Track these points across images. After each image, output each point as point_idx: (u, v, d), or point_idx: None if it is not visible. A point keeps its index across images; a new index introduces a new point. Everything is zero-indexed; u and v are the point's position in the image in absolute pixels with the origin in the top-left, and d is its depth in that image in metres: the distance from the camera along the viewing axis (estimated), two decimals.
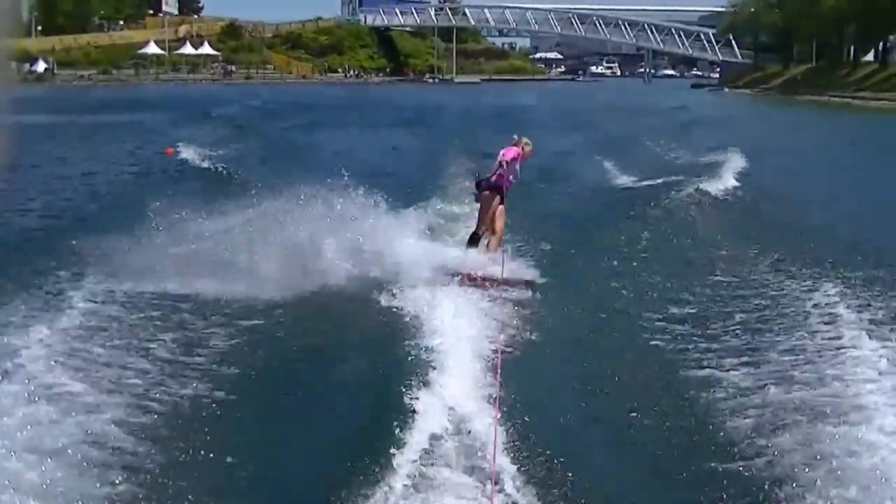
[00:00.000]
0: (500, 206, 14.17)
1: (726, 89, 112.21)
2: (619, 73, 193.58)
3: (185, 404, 9.03)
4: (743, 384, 9.68)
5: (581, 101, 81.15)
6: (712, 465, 7.90)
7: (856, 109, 73.55)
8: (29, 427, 8.01)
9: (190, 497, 7.28)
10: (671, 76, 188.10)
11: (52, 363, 9.69)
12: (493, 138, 22.84)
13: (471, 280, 13.15)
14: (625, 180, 26.34)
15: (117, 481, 7.39)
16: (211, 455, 7.98)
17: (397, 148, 36.00)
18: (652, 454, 8.25)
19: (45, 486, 7.09)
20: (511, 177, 14.25)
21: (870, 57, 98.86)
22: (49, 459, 7.48)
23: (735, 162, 28.00)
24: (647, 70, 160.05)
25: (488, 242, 14.18)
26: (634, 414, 9.04)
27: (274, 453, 8.17)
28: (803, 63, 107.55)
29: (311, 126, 45.63)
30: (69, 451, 7.70)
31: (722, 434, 8.50)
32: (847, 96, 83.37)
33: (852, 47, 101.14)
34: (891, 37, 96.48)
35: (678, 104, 72.65)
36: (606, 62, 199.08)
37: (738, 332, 11.70)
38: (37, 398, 8.66)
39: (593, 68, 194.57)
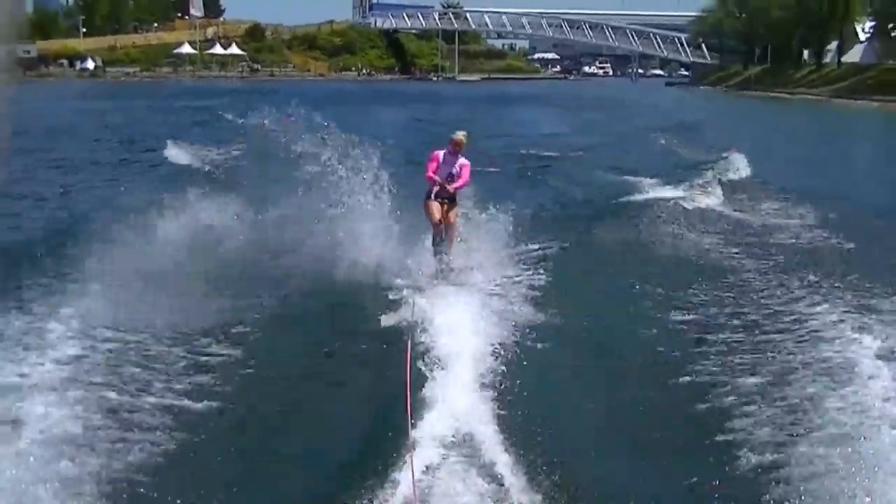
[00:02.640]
0: (454, 207, 14.69)
1: (695, 87, 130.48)
2: (610, 73, 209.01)
3: (173, 419, 9.01)
4: (742, 387, 9.91)
5: (554, 91, 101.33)
6: (708, 465, 8.19)
7: (788, 102, 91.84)
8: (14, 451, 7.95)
9: None
10: (659, 76, 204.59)
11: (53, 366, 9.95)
12: (484, 107, 40.48)
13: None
14: (563, 136, 43.95)
15: (111, 489, 7.55)
16: (207, 465, 8.22)
17: (421, 119, 52.46)
18: (645, 453, 8.53)
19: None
20: (450, 173, 14.63)
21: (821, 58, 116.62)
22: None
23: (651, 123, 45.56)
24: (635, 70, 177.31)
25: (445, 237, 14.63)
26: (629, 413, 9.39)
27: (265, 463, 8.36)
28: (761, 64, 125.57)
29: (359, 105, 63.98)
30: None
31: (719, 434, 8.77)
32: (788, 91, 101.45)
33: (804, 50, 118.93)
34: (833, 43, 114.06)
35: (639, 96, 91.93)
36: (599, 62, 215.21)
37: (725, 325, 12.35)
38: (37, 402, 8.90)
39: (586, 68, 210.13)
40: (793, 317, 12.59)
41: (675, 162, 31.87)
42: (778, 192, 24.89)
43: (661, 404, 9.56)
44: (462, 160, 14.64)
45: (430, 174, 14.50)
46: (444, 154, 14.60)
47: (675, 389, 9.95)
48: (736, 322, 12.55)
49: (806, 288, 14.21)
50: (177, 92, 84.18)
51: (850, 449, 7.99)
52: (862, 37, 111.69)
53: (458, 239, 14.72)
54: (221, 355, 10.92)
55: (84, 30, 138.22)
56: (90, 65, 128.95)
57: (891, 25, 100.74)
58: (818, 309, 12.81)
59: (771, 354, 11.04)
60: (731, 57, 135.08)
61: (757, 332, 12.09)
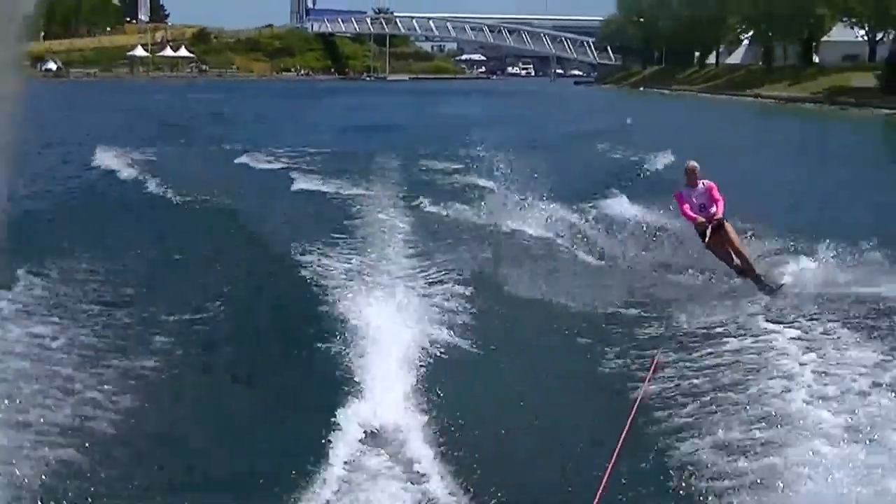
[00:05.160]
0: (726, 230, 14.40)
1: (599, 85, 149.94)
2: (532, 74, 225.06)
3: (101, 424, 8.98)
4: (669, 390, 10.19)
5: (473, 88, 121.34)
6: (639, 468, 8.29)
7: (667, 96, 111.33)
8: None
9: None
10: (578, 76, 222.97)
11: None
12: (406, 98, 59.03)
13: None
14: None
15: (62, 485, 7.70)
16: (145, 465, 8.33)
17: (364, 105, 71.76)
18: (574, 457, 8.66)
19: None
20: (702, 204, 14.52)
21: (709, 60, 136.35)
22: None
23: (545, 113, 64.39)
24: (553, 70, 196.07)
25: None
26: (555, 415, 9.64)
27: (180, 469, 8.37)
28: (659, 65, 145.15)
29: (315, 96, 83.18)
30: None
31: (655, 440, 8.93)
32: (671, 88, 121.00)
33: (696, 53, 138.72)
34: (722, 47, 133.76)
35: (548, 92, 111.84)
36: (522, 63, 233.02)
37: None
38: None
39: (510, 69, 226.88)
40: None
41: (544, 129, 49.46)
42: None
43: (585, 406, 9.85)
44: (703, 184, 14.48)
45: (689, 214, 14.30)
46: (687, 190, 14.48)
47: (603, 392, 10.22)
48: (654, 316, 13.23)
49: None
50: (175, 89, 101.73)
51: (774, 452, 8.19)
52: (744, 42, 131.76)
53: (747, 245, 14.47)
54: (133, 365, 10.75)
55: (43, 33, 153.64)
56: (52, 66, 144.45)
57: (751, 33, 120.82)
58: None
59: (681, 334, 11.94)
60: (633, 59, 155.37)
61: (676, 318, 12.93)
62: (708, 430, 8.94)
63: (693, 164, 14.95)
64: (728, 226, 14.08)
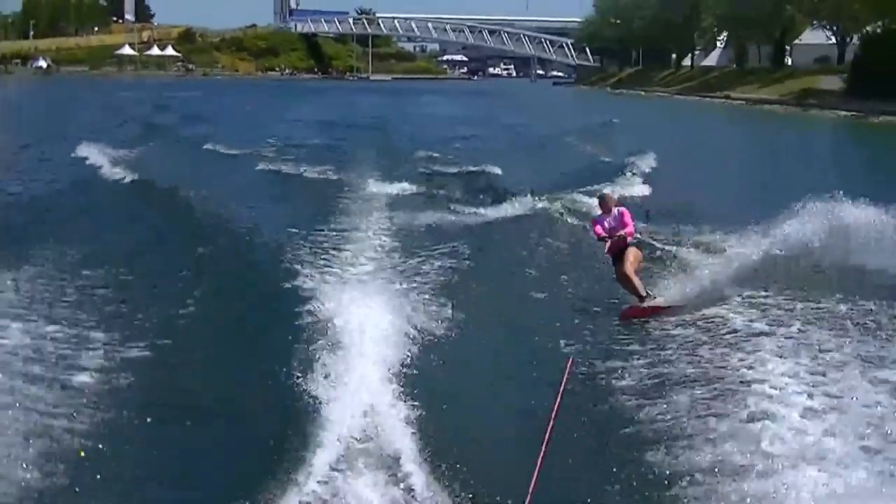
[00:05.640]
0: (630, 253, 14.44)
1: (578, 86, 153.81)
2: (514, 74, 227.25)
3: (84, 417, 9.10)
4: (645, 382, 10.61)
5: (453, 87, 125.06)
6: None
7: (642, 97, 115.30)
8: None
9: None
10: (558, 76, 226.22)
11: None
12: (387, 98, 63.03)
13: None
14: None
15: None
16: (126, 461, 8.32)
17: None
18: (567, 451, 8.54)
19: None
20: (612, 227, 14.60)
21: (686, 61, 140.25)
22: None
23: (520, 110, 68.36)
24: (534, 71, 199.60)
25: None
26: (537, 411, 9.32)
27: (186, 459, 8.56)
28: (636, 66, 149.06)
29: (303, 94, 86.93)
30: None
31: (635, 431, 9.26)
32: (646, 89, 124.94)
33: (673, 55, 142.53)
34: (698, 49, 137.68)
35: (527, 92, 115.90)
36: (504, 64, 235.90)
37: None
38: None
39: (491, 69, 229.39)
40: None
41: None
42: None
43: (575, 400, 9.65)
44: (617, 210, 14.86)
45: (597, 231, 14.68)
46: (602, 216, 14.80)
47: (590, 384, 10.40)
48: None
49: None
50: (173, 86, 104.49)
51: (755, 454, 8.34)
52: (720, 44, 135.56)
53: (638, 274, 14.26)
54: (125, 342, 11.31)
55: (32, 33, 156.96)
56: (43, 64, 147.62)
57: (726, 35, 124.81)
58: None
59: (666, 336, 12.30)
60: (611, 60, 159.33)
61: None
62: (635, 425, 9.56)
63: (608, 191, 16.46)
64: (631, 251, 14.56)
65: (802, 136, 58.73)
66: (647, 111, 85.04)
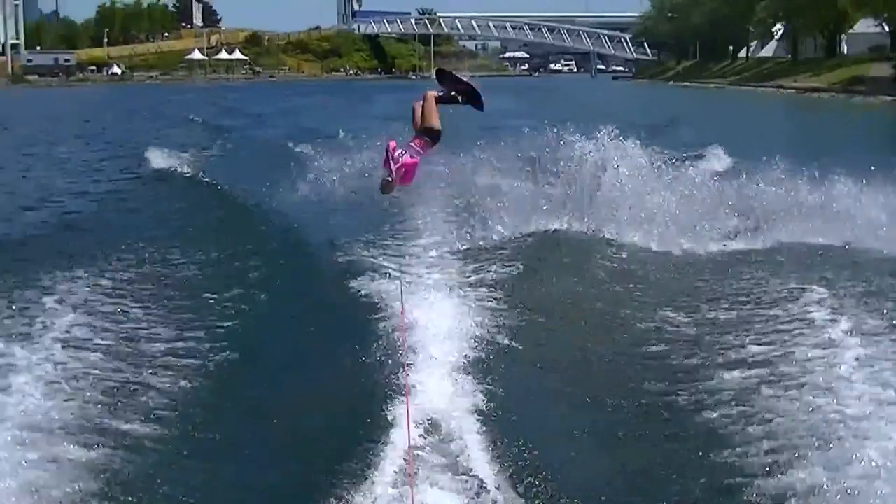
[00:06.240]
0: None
1: (636, 80, 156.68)
2: (574, 70, 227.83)
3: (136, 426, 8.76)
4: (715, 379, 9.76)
5: (515, 84, 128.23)
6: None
7: (697, 89, 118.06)
8: None
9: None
10: (620, 71, 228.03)
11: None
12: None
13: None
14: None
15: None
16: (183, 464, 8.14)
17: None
18: (631, 459, 8.27)
19: None
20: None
21: (742, 53, 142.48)
22: None
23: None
24: (594, 66, 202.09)
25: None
26: (613, 416, 9.11)
27: (241, 463, 8.30)
28: (694, 59, 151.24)
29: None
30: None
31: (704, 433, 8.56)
32: (702, 81, 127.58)
33: (730, 47, 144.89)
34: (753, 42, 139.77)
35: (587, 87, 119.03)
36: (565, 60, 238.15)
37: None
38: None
39: (552, 65, 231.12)
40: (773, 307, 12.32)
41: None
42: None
43: (641, 407, 9.28)
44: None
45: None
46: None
47: (656, 393, 9.69)
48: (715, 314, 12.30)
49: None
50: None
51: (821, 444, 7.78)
52: (776, 36, 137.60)
53: None
54: (202, 344, 11.04)
55: (106, 40, 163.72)
56: (117, 70, 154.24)
57: (778, 27, 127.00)
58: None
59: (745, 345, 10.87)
60: (668, 54, 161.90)
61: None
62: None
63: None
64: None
65: (847, 120, 60.81)
66: (700, 102, 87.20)
